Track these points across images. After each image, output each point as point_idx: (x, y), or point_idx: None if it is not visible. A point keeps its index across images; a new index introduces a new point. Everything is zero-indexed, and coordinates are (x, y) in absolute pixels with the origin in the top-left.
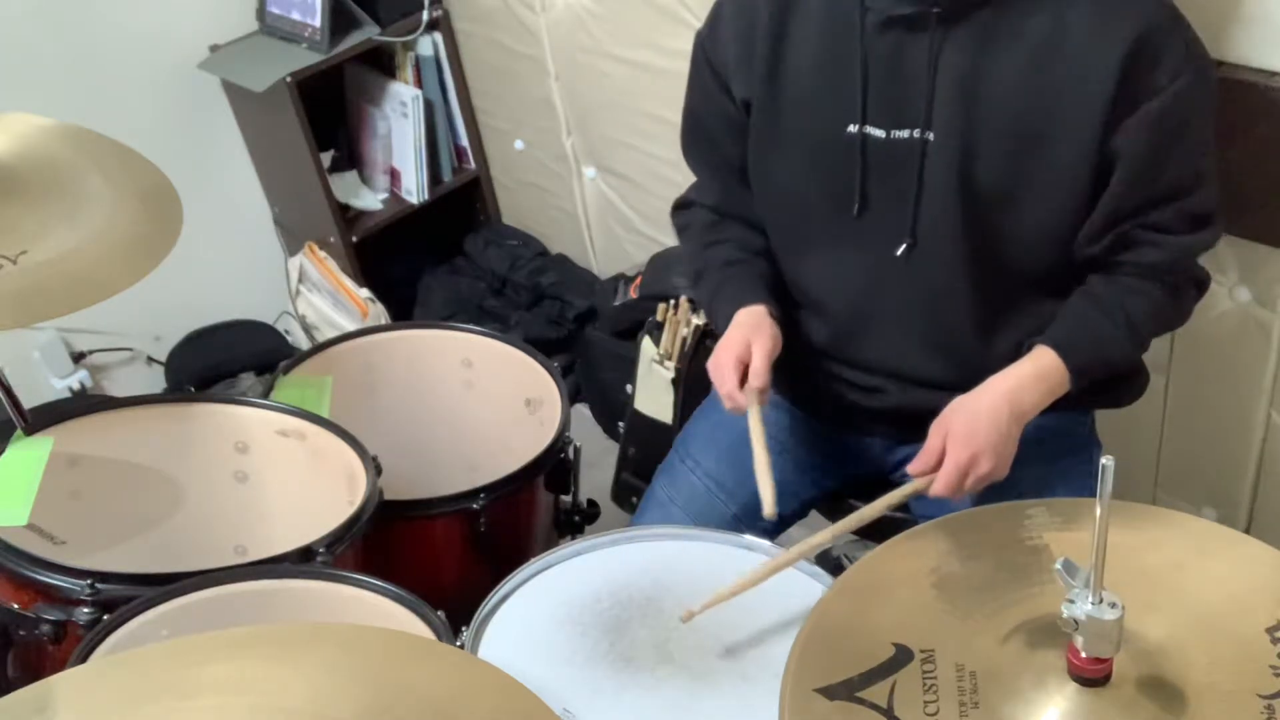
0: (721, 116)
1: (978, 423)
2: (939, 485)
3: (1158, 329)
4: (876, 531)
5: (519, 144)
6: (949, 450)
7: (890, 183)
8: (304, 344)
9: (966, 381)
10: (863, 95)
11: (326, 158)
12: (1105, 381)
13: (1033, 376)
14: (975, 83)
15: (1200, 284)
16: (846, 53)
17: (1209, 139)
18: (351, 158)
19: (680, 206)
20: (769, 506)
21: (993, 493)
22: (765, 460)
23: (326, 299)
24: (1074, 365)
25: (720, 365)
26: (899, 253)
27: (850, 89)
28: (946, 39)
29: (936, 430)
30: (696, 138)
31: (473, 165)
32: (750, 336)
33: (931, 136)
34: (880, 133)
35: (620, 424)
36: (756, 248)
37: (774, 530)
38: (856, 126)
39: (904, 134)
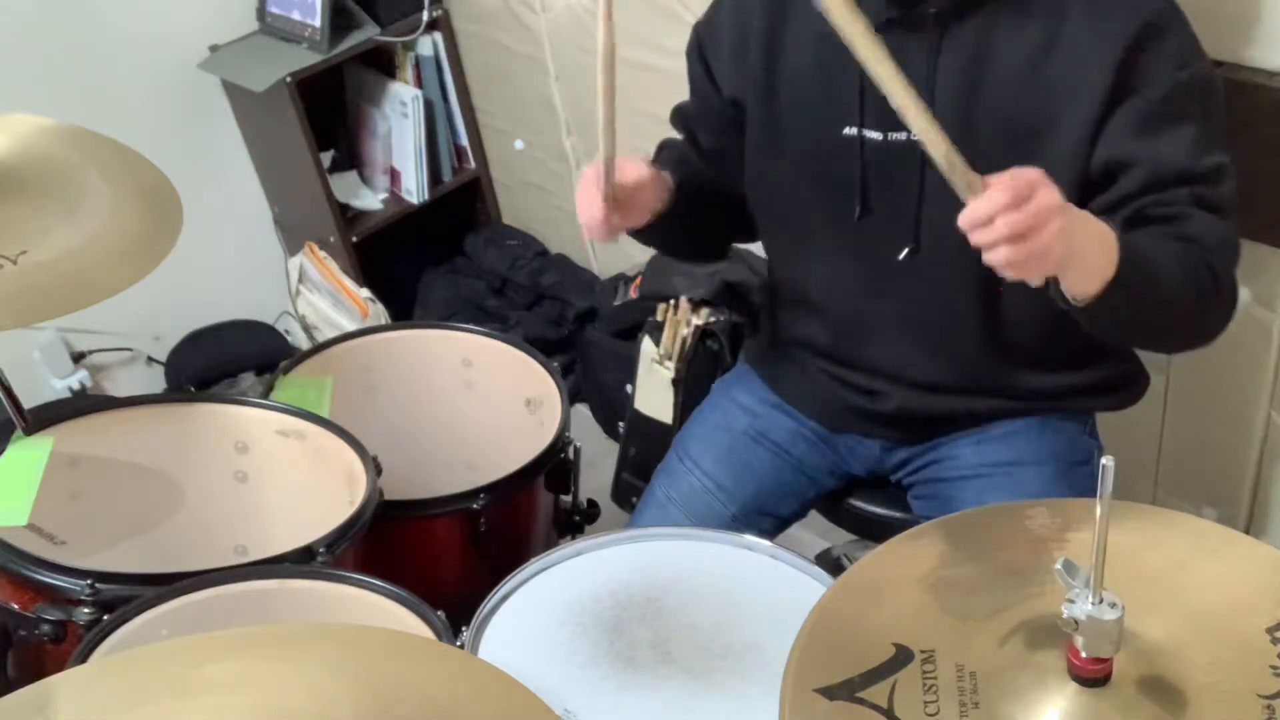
0: (703, 104)
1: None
2: (998, 186)
3: (1192, 287)
4: (876, 532)
5: (519, 144)
6: (1013, 171)
7: (891, 186)
8: (304, 344)
9: (968, 384)
10: (860, 97)
11: (326, 158)
12: (1105, 382)
13: (1092, 218)
14: (974, 85)
15: (1225, 291)
16: (843, 55)
17: (1217, 135)
18: (351, 158)
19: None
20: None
21: (995, 494)
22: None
23: (326, 299)
24: (1126, 256)
25: (584, 176)
26: (901, 256)
27: (847, 91)
28: (945, 41)
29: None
30: (680, 118)
31: (473, 165)
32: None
33: None
34: (877, 135)
35: (620, 424)
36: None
37: (774, 530)
38: (854, 129)
39: (901, 136)
